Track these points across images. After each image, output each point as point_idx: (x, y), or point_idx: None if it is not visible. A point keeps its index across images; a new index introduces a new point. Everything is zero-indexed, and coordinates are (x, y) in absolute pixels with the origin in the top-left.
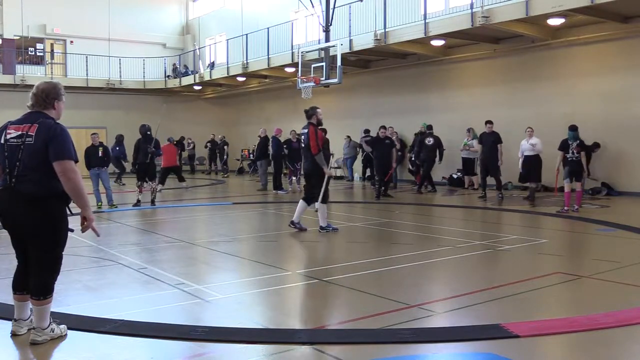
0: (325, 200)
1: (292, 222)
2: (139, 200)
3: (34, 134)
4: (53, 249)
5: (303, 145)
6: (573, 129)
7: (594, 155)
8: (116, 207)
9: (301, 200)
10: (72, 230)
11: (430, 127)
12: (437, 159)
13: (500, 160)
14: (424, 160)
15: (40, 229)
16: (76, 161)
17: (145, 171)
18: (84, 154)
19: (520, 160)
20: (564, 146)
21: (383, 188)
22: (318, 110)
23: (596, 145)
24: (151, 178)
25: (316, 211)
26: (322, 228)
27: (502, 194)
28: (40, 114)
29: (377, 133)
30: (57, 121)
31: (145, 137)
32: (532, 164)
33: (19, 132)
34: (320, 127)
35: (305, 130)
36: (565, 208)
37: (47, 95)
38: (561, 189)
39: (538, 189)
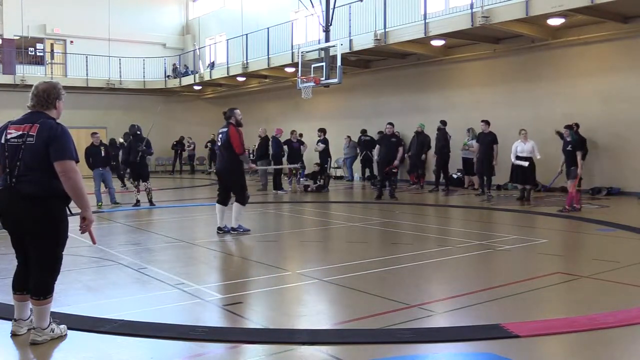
0: (243, 201)
1: (220, 228)
2: (138, 200)
3: (35, 134)
4: (53, 249)
5: (219, 144)
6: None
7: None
8: (119, 205)
9: (217, 204)
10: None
11: (444, 123)
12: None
13: (495, 160)
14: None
15: (40, 229)
16: (77, 161)
17: (138, 171)
18: (84, 154)
19: (513, 162)
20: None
21: (389, 189)
22: (236, 111)
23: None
24: (145, 178)
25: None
26: (233, 229)
27: (490, 194)
28: (41, 114)
29: (385, 130)
30: (58, 121)
31: (135, 137)
32: (528, 167)
33: (20, 132)
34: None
35: (224, 130)
36: (567, 207)
37: (49, 95)
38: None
39: (539, 188)
